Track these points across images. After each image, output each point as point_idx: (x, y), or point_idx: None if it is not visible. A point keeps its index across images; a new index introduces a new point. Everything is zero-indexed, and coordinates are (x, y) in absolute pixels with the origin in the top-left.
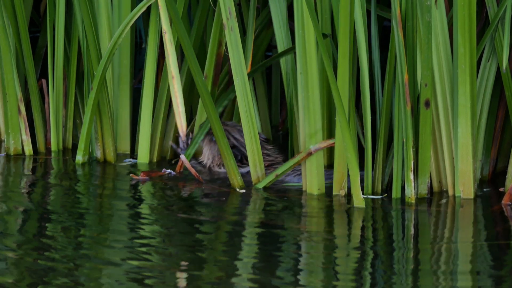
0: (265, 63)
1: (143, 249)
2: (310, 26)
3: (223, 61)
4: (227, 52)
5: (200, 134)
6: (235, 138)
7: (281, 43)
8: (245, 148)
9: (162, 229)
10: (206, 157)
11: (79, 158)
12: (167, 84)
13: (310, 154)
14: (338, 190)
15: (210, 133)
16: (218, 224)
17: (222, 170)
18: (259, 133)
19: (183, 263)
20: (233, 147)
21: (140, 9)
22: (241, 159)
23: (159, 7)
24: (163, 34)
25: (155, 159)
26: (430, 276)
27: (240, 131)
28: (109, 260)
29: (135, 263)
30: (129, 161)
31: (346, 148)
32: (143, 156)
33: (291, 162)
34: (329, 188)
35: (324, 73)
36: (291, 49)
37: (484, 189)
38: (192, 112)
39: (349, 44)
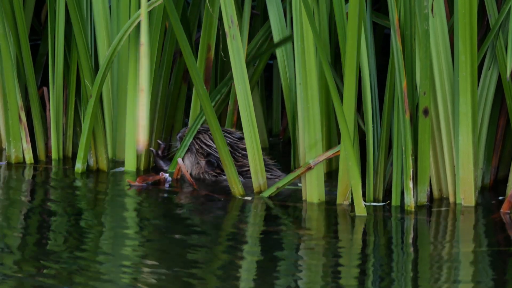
0: (262, 53)
1: (142, 257)
2: (309, 37)
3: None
4: (226, 58)
5: (189, 138)
6: (207, 146)
7: (280, 51)
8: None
9: (161, 239)
10: (186, 165)
11: (79, 166)
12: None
13: (309, 168)
14: (342, 200)
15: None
16: (218, 233)
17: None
18: (231, 132)
19: (183, 270)
20: (208, 155)
21: (138, 17)
22: (218, 166)
23: (141, 18)
24: (140, 46)
25: (142, 167)
26: (431, 284)
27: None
28: (105, 271)
29: (136, 265)
30: (121, 169)
31: (347, 157)
32: (130, 163)
33: (291, 176)
34: (328, 196)
35: (322, 82)
36: (289, 38)
37: (485, 197)
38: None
39: (356, 57)
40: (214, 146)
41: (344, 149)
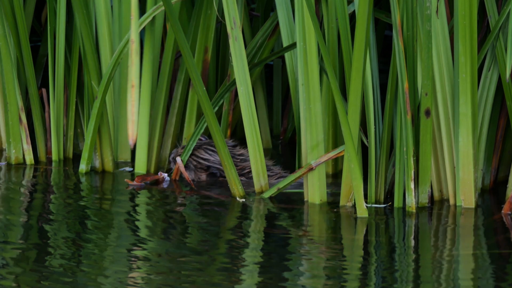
0: (266, 59)
1: (143, 260)
2: (312, 37)
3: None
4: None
5: (193, 142)
6: (205, 159)
7: (289, 52)
8: (220, 164)
9: (162, 240)
10: (188, 174)
11: (83, 167)
12: (163, 93)
13: (311, 169)
14: (346, 202)
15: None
16: (219, 234)
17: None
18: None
19: (185, 271)
20: (208, 168)
21: (144, 21)
22: (221, 175)
23: (131, 17)
24: (130, 43)
25: (152, 169)
26: (431, 286)
27: (208, 149)
28: (108, 273)
29: (136, 274)
30: (127, 169)
31: (349, 158)
32: (140, 166)
33: (292, 177)
34: (330, 197)
35: (328, 83)
36: (293, 45)
37: (485, 198)
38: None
39: (363, 60)
40: (212, 158)
41: (347, 151)
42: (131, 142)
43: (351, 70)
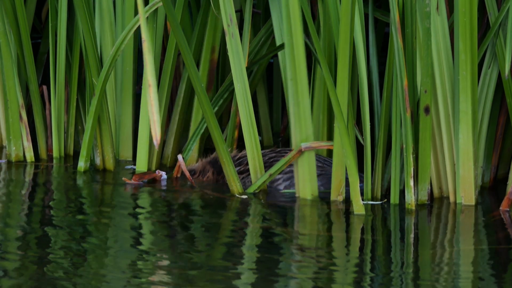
0: (259, 59)
1: (143, 259)
2: (298, 31)
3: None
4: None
5: (193, 142)
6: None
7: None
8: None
9: (162, 240)
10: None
11: (81, 165)
12: (165, 91)
13: (300, 151)
14: (336, 196)
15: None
16: (216, 231)
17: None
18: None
19: (181, 270)
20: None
21: (146, 12)
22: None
23: (139, 16)
24: (142, 43)
25: (154, 167)
26: (431, 283)
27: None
28: (108, 272)
29: (136, 274)
30: (128, 167)
31: (345, 155)
32: (141, 164)
33: (283, 161)
34: (322, 193)
35: (324, 78)
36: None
37: (485, 196)
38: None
39: (349, 51)
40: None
41: (342, 147)
42: (155, 143)
43: (338, 60)
